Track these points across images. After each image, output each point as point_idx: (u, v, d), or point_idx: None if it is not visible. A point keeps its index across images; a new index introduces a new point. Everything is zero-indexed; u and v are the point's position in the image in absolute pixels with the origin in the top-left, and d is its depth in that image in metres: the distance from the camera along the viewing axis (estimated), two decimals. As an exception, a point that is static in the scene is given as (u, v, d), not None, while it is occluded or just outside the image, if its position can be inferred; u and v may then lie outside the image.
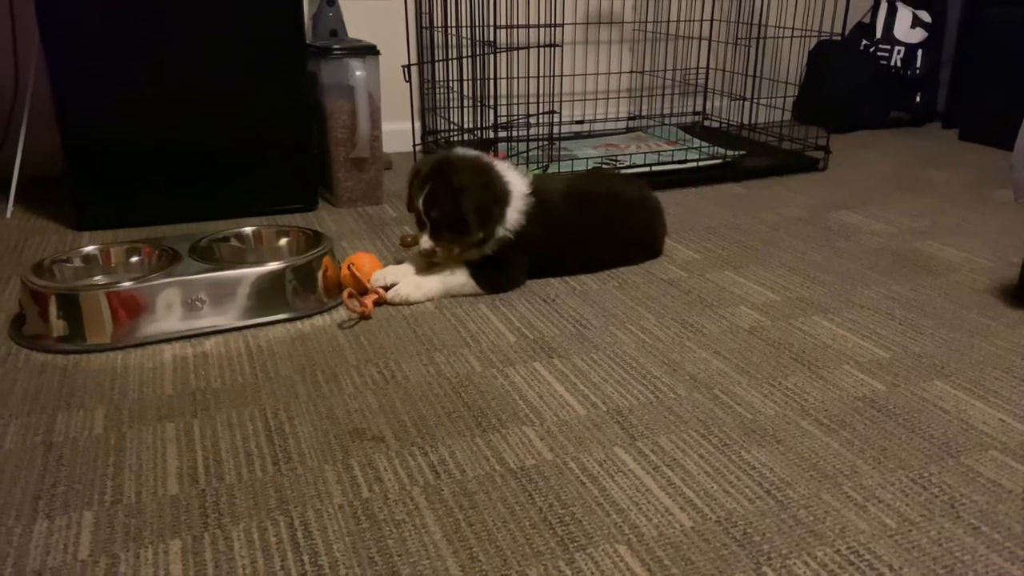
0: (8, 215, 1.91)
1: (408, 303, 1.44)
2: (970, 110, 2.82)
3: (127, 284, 1.30)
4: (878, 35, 2.95)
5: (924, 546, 0.85)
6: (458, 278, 1.47)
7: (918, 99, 2.98)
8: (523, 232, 1.46)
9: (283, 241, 1.56)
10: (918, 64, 2.92)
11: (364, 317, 1.38)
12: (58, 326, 1.27)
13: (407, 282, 1.45)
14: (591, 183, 1.67)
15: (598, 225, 1.57)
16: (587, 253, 1.57)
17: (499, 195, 1.43)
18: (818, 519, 0.89)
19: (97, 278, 1.44)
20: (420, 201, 1.42)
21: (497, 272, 1.48)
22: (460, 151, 1.50)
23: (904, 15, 2.92)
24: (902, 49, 2.92)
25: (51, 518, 0.88)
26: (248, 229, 1.56)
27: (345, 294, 1.36)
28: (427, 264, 1.50)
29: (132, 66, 1.75)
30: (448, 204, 1.39)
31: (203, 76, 1.80)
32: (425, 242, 1.44)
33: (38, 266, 1.35)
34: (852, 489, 0.94)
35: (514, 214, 1.45)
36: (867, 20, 3.00)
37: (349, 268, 1.45)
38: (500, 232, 1.44)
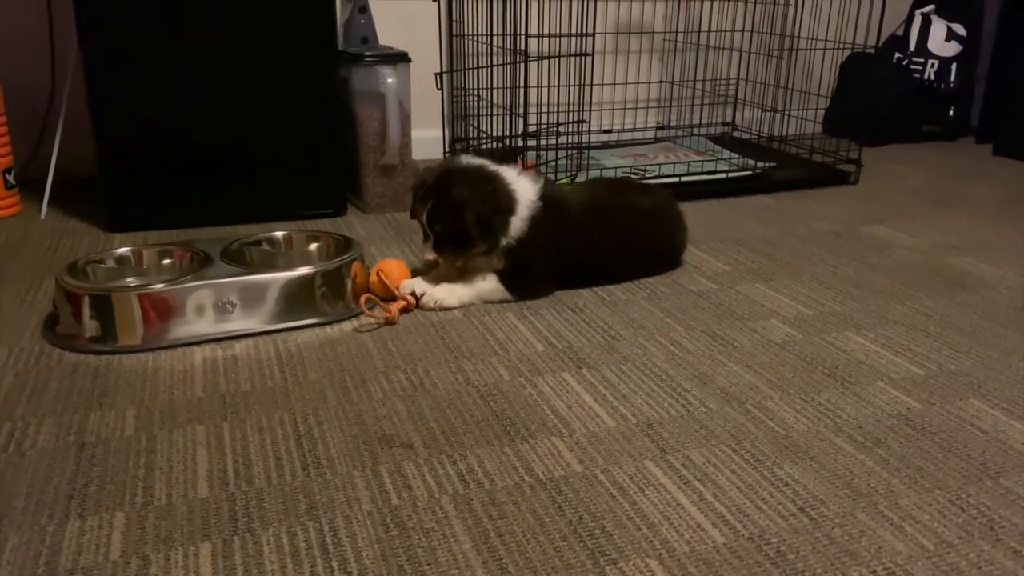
0: (43, 216, 1.94)
1: (443, 308, 1.44)
2: (1005, 125, 2.78)
3: (158, 286, 1.31)
4: (911, 48, 2.93)
5: (963, 569, 0.83)
6: (488, 283, 1.47)
7: (952, 113, 2.94)
8: (527, 239, 1.43)
9: (313, 246, 1.57)
10: (952, 78, 2.89)
11: (388, 323, 1.39)
12: (91, 326, 1.28)
13: (441, 288, 1.45)
14: (606, 192, 1.66)
15: (613, 234, 1.55)
16: (602, 261, 1.56)
17: (501, 207, 1.41)
18: (853, 538, 0.87)
19: (129, 279, 1.46)
20: (424, 215, 1.42)
21: (524, 279, 1.48)
22: (464, 160, 1.48)
23: (938, 28, 2.89)
24: (936, 63, 2.89)
25: (83, 518, 0.89)
26: (279, 233, 1.57)
27: (362, 300, 1.36)
28: (453, 274, 1.50)
29: (166, 72, 1.77)
30: (450, 218, 1.39)
31: (235, 82, 1.82)
32: (428, 253, 1.44)
33: (72, 266, 1.37)
34: (888, 508, 0.92)
35: (518, 222, 1.43)
36: (900, 33, 2.97)
37: (378, 275, 1.45)
38: (504, 242, 1.43)
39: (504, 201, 1.42)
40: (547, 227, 1.45)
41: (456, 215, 1.38)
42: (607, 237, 1.55)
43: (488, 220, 1.40)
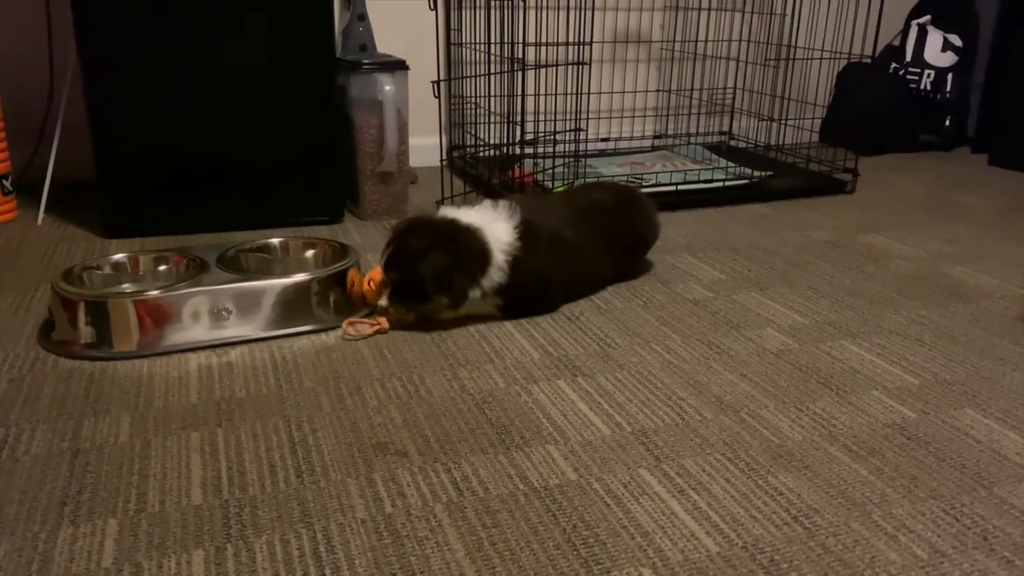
0: (39, 222, 1.94)
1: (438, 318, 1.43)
2: (1001, 135, 2.79)
3: (154, 292, 1.31)
4: (908, 58, 2.94)
5: (956, 579, 0.83)
6: (488, 310, 1.45)
7: (948, 123, 2.96)
8: (512, 280, 1.39)
9: (310, 253, 1.57)
10: (948, 88, 2.90)
11: (380, 332, 1.38)
12: (86, 333, 1.28)
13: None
14: (571, 200, 1.64)
15: (591, 236, 1.54)
16: (590, 267, 1.55)
17: (465, 264, 1.35)
18: (847, 548, 0.87)
19: (125, 286, 1.46)
20: (382, 261, 1.39)
21: (524, 310, 1.46)
22: (440, 213, 1.43)
23: (935, 39, 2.90)
24: (932, 73, 2.90)
25: (76, 525, 0.89)
26: (275, 240, 1.57)
27: (345, 325, 1.36)
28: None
29: (164, 78, 1.77)
30: (404, 268, 1.35)
31: (233, 89, 1.82)
32: (383, 300, 1.39)
33: (68, 273, 1.37)
34: (882, 518, 0.92)
35: (496, 271, 1.37)
36: (897, 43, 2.98)
37: (370, 283, 1.45)
38: (476, 294, 1.37)
39: (469, 259, 1.36)
40: (530, 261, 1.40)
41: (411, 266, 1.34)
42: (586, 242, 1.53)
43: (444, 275, 1.34)
